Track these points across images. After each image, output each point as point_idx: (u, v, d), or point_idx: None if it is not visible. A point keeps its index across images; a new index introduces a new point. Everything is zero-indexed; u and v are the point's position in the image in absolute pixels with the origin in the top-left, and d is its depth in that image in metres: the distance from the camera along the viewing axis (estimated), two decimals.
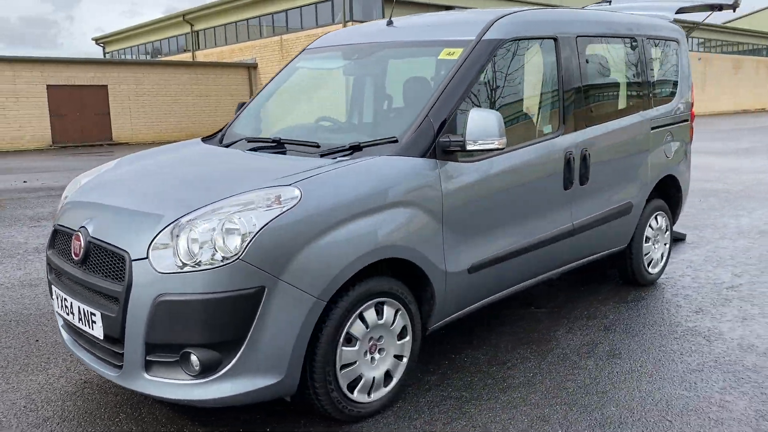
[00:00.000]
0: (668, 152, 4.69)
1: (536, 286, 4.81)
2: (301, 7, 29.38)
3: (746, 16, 68.44)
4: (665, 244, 4.93)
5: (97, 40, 44.15)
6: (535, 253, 3.61)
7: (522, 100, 3.66)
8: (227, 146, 3.63)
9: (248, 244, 2.44)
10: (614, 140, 4.12)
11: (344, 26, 20.69)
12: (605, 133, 4.03)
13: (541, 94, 3.74)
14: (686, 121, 4.93)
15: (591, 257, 4.22)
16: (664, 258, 4.93)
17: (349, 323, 2.74)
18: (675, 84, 4.84)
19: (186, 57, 36.31)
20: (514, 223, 3.44)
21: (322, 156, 3.06)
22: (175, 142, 4.20)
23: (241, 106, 4.21)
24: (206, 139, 3.94)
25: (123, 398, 3.16)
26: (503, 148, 3.09)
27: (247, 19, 32.47)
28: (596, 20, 4.13)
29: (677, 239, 6.33)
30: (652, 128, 4.50)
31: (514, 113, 3.58)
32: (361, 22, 23.28)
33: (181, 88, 28.28)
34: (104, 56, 43.84)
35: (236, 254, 2.43)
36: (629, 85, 4.44)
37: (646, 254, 4.71)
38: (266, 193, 2.61)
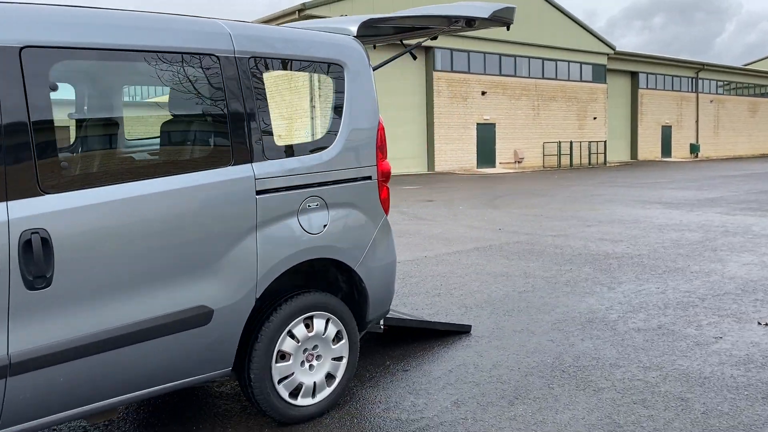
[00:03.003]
0: (312, 226, 3.13)
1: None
2: None
3: (766, 58, 66.17)
4: (336, 360, 3.32)
5: None
6: None
7: None
8: None
9: None
10: (134, 213, 2.55)
11: None
12: (103, 203, 2.48)
13: None
14: (366, 179, 3.37)
15: (108, 401, 2.58)
16: (337, 381, 3.32)
17: None
18: (336, 125, 3.30)
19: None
20: None
21: None
22: None
23: None
24: None
25: None
26: None
27: None
28: (101, 23, 2.52)
29: (459, 332, 4.69)
30: (263, 191, 2.96)
31: None
32: None
33: None
34: None
35: None
36: (193, 124, 2.88)
37: (283, 379, 3.12)
38: None
